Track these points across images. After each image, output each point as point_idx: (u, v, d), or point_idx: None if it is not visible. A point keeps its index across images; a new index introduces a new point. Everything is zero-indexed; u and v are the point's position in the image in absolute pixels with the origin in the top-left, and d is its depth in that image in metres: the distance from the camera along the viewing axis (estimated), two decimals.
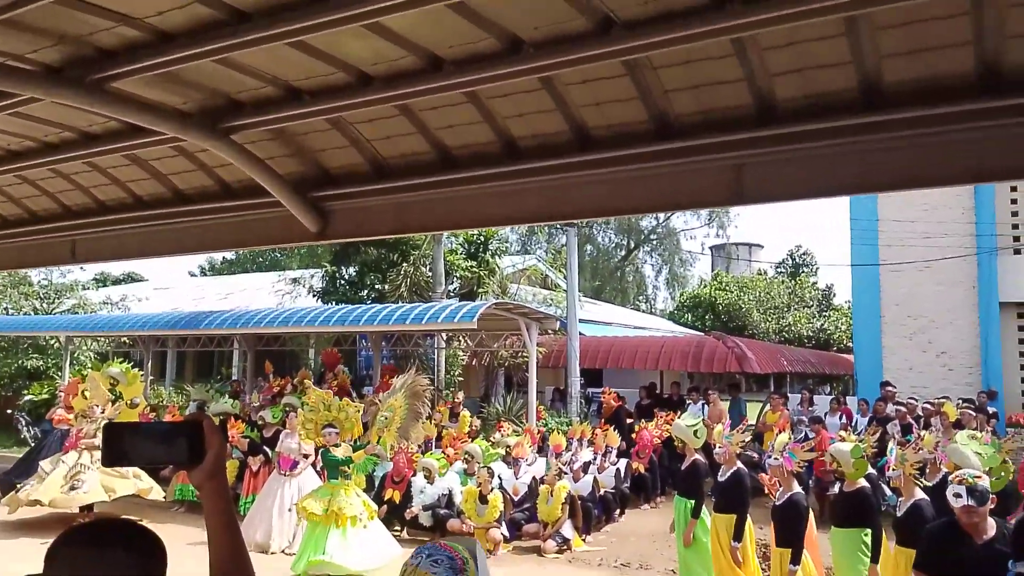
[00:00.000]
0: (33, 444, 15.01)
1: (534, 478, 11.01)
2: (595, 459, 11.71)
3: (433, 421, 13.29)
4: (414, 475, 10.59)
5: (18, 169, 3.45)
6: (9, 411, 18.31)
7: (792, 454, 5.67)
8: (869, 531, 5.66)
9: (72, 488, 10.05)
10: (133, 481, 10.44)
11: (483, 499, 9.69)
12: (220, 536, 1.52)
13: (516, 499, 10.65)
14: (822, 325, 33.70)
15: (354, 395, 13.80)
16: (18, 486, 10.65)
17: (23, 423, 17.73)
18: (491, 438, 12.45)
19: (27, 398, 18.82)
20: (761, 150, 2.49)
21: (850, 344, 24.02)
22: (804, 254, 43.99)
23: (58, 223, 3.89)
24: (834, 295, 40.35)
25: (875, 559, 5.68)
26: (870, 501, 5.62)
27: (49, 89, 2.42)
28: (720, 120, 2.49)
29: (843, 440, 6.89)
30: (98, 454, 10.48)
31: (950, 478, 4.06)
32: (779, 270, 43.42)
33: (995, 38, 2.12)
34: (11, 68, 2.38)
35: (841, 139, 2.39)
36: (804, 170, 2.51)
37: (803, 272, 41.75)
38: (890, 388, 14.22)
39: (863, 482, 5.97)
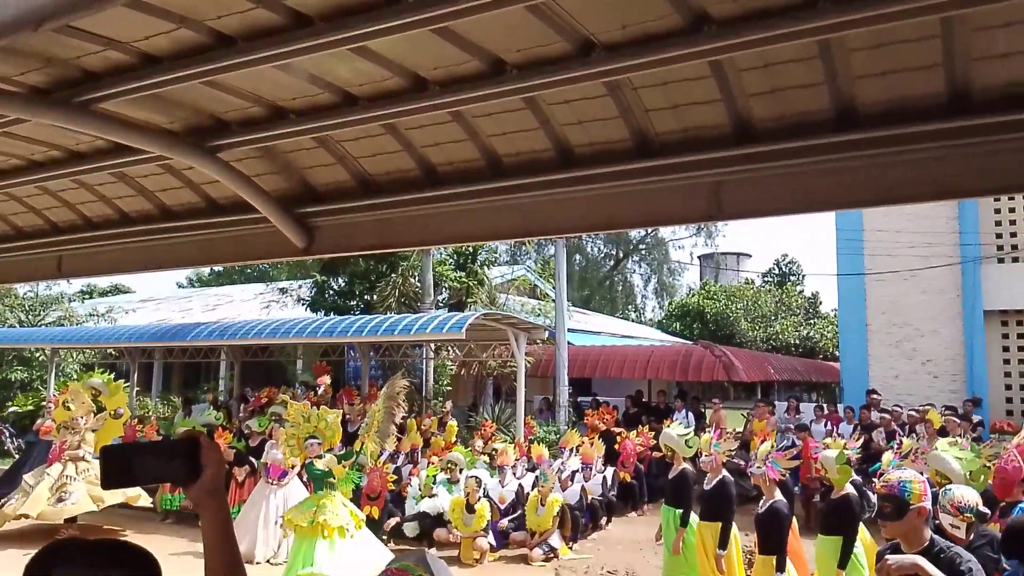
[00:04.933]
0: (17, 456, 14.90)
1: (521, 486, 11.03)
2: (583, 468, 11.74)
3: (421, 429, 13.30)
4: (391, 491, 10.60)
5: (5, 187, 3.46)
6: None
7: (775, 462, 5.73)
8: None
9: (59, 500, 9.98)
10: (120, 490, 10.36)
11: (470, 508, 9.70)
12: (217, 551, 1.53)
13: (502, 507, 10.66)
14: (808, 333, 33.89)
15: (346, 403, 13.82)
16: (2, 501, 10.57)
17: (7, 435, 17.62)
18: (473, 446, 12.46)
19: (11, 409, 18.68)
20: (738, 168, 2.55)
21: (836, 352, 24.17)
22: (790, 263, 44.30)
23: (44, 239, 3.90)
24: (820, 303, 40.61)
25: (842, 565, 5.77)
26: (854, 510, 5.68)
27: (36, 110, 2.44)
28: (699, 139, 2.54)
29: (828, 448, 6.98)
30: (82, 465, 10.42)
31: (943, 503, 4.14)
32: (766, 279, 43.67)
33: (963, 60, 2.18)
34: None
35: (816, 157, 2.45)
36: (780, 187, 2.57)
37: (790, 281, 42.03)
38: (875, 396, 14.34)
39: (849, 488, 6.04)
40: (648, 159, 2.61)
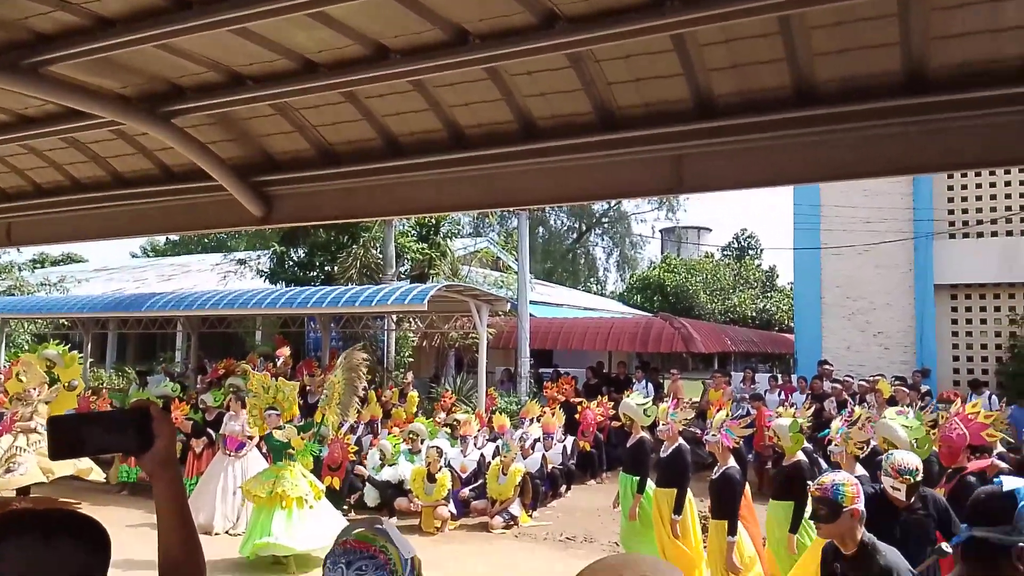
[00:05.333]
0: None
1: (483, 455, 11.12)
2: (544, 437, 11.87)
3: (382, 401, 13.29)
4: (352, 461, 10.61)
5: None
6: None
7: (730, 431, 5.87)
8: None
9: (8, 471, 9.77)
10: (71, 463, 10.20)
11: (431, 478, 9.76)
12: (171, 522, 1.53)
13: (464, 476, 10.75)
14: (765, 306, 34.54)
15: (306, 375, 13.73)
16: None
17: None
18: (435, 418, 12.51)
19: None
20: (700, 142, 2.58)
21: (791, 324, 24.67)
22: (749, 237, 44.93)
23: None
24: (777, 277, 41.35)
25: (794, 529, 5.99)
26: (805, 476, 5.85)
27: None
28: (661, 113, 2.56)
29: (781, 416, 7.16)
30: (34, 436, 10.21)
31: (886, 466, 4.28)
32: (725, 253, 44.25)
33: (920, 40, 2.22)
34: None
35: (775, 132, 2.49)
36: (740, 162, 2.60)
37: (748, 255, 42.65)
38: (827, 366, 14.69)
39: (800, 456, 6.22)
40: (611, 132, 2.62)
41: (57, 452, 1.49)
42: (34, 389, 10.49)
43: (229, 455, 9.89)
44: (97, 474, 10.80)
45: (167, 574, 1.52)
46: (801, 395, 13.18)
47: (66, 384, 10.99)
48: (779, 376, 15.84)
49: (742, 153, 2.58)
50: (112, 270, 30.37)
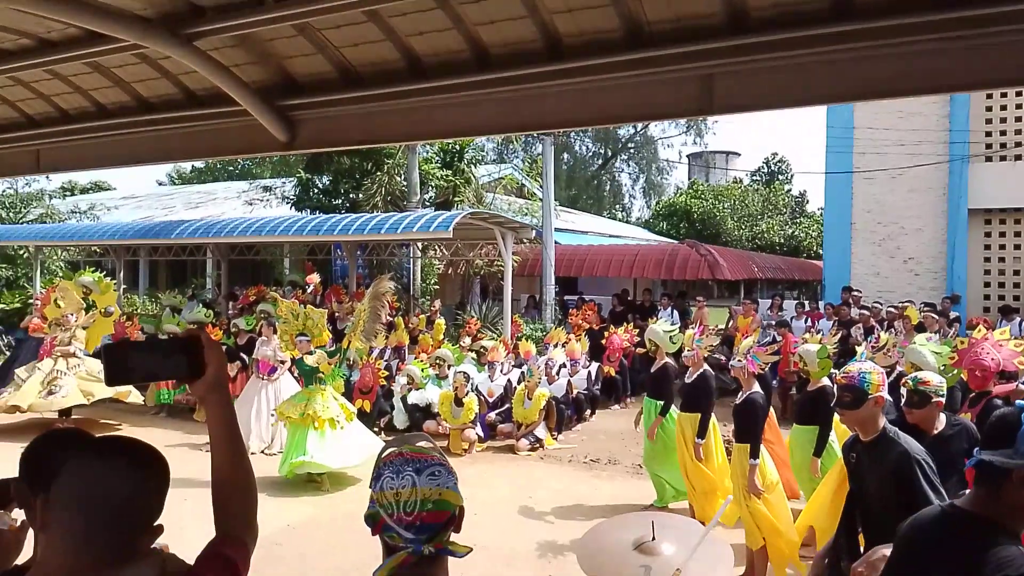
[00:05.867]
0: (8, 353, 15.02)
1: (509, 381, 11.31)
2: (569, 363, 12.01)
3: (409, 327, 13.47)
4: (382, 386, 10.84)
5: None
6: None
7: (756, 357, 5.87)
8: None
9: (50, 393, 10.13)
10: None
11: (459, 402, 9.96)
12: (223, 442, 1.61)
13: (490, 401, 10.96)
14: (794, 232, 34.06)
15: (334, 301, 13.92)
16: None
17: None
18: (461, 344, 12.67)
19: None
20: (731, 60, 2.49)
21: (820, 251, 24.38)
22: (780, 162, 43.97)
23: (21, 132, 3.81)
24: (807, 202, 40.66)
25: (818, 453, 6.06)
26: (830, 400, 5.87)
27: None
28: (691, 29, 2.47)
29: (807, 343, 7.15)
30: (73, 360, 10.54)
31: (901, 382, 4.26)
32: (754, 178, 43.48)
33: None
34: None
35: (810, 49, 2.40)
36: (774, 80, 2.53)
37: (778, 180, 41.85)
38: (855, 293, 14.57)
39: (825, 381, 6.23)
40: (639, 50, 2.54)
41: (112, 378, 1.55)
42: (72, 315, 10.77)
43: (262, 379, 10.14)
44: (136, 396, 11.16)
45: (219, 488, 1.61)
46: (828, 322, 13.12)
47: (102, 310, 11.25)
48: (806, 303, 15.74)
49: (776, 71, 2.50)
50: (140, 198, 30.63)
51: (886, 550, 3.04)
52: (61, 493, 1.35)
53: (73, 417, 10.53)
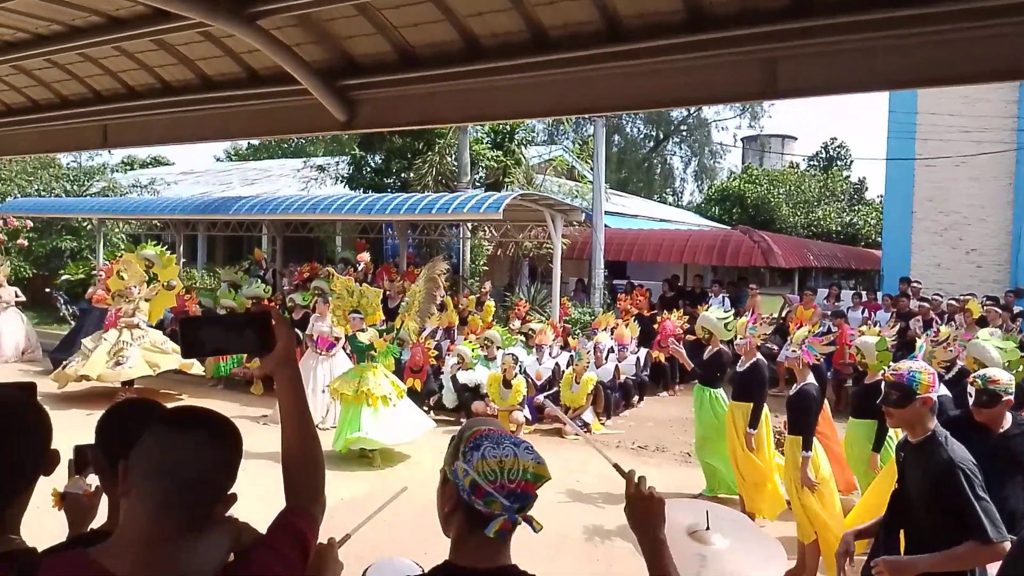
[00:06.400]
0: (73, 323, 15.57)
1: (557, 364, 11.33)
2: (617, 348, 11.97)
3: (458, 308, 13.57)
4: (432, 365, 10.97)
5: (48, 53, 3.45)
6: (47, 290, 18.90)
7: (811, 347, 5.77)
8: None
9: (117, 363, 10.50)
10: (174, 357, 10.87)
11: (507, 384, 10.02)
12: (291, 416, 1.67)
13: (538, 384, 11.00)
14: (851, 220, 33.19)
15: (385, 280, 14.09)
16: (63, 363, 11.14)
17: (61, 302, 18.35)
18: (510, 326, 12.72)
19: (63, 278, 19.36)
20: (796, 43, 2.43)
21: (879, 239, 23.75)
22: (839, 147, 42.81)
23: (89, 107, 3.93)
24: (866, 189, 39.53)
25: (877, 447, 5.92)
26: None
27: None
28: (755, 11, 2.42)
29: (864, 334, 6.99)
30: (137, 332, 10.90)
31: (968, 379, 4.14)
32: (812, 163, 42.43)
33: None
34: None
35: (878, 33, 2.33)
36: (838, 65, 2.46)
37: (836, 165, 40.77)
38: (915, 284, 14.18)
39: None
40: (700, 32, 2.50)
41: (188, 351, 1.62)
42: (135, 287, 11.11)
43: (320, 355, 10.33)
44: (198, 367, 11.50)
45: (288, 461, 1.66)
46: (886, 313, 12.81)
47: (164, 283, 11.57)
48: (863, 293, 15.37)
49: (841, 55, 2.43)
50: (198, 173, 31.32)
51: (921, 563, 2.98)
52: (141, 461, 1.39)
53: (136, 387, 10.90)
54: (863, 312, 13.45)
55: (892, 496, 3.49)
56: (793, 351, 5.72)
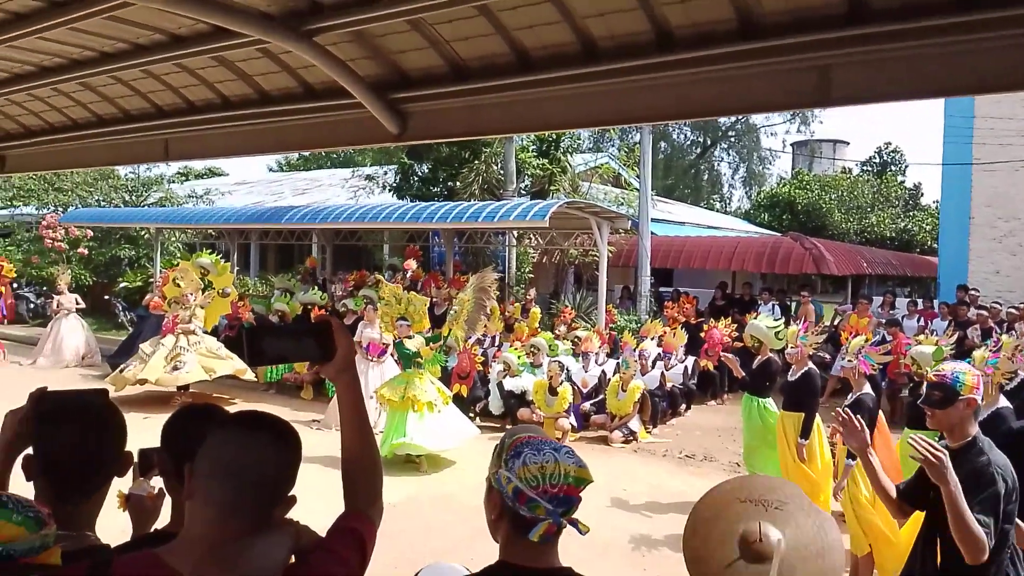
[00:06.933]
0: (131, 329, 16.04)
1: (603, 371, 11.28)
2: (663, 356, 11.87)
3: (504, 315, 13.61)
4: (478, 371, 11.01)
5: (112, 70, 3.59)
6: (106, 297, 19.52)
7: (869, 356, 5.65)
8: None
9: (175, 368, 10.79)
10: (229, 363, 11.13)
11: (553, 391, 10.01)
12: (350, 420, 1.70)
13: (584, 391, 10.97)
14: (906, 226, 32.39)
15: (433, 287, 14.22)
16: (121, 367, 11.48)
17: (119, 309, 18.94)
18: (556, 332, 12.71)
19: (122, 285, 19.98)
20: (850, 50, 2.41)
21: (934, 246, 23.14)
22: (893, 152, 41.84)
23: (152, 122, 4.06)
24: (922, 195, 38.57)
25: None
26: None
27: None
28: (808, 19, 2.41)
29: (920, 343, 6.82)
30: (193, 338, 11.19)
31: None
32: (865, 168, 41.53)
33: None
34: None
35: (934, 39, 2.30)
36: (895, 71, 2.43)
37: (890, 171, 39.84)
38: (973, 292, 13.78)
39: None
40: (751, 41, 2.50)
41: (253, 359, 1.67)
42: (191, 294, 11.41)
43: (371, 360, 10.46)
44: (250, 374, 11.75)
45: (348, 465, 1.69)
46: (943, 321, 12.46)
47: (219, 291, 11.86)
48: (919, 301, 14.99)
49: (898, 62, 2.40)
50: (251, 183, 32.02)
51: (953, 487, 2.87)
52: (207, 464, 1.44)
53: (191, 391, 11.18)
54: (919, 320, 13.11)
55: (929, 505, 3.39)
56: (849, 360, 5.61)
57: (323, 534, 1.62)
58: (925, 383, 3.41)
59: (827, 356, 10.06)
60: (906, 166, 41.17)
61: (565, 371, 10.41)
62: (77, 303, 15.40)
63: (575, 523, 1.64)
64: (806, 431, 6.50)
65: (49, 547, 1.50)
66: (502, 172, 17.56)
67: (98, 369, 13.97)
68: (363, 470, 1.70)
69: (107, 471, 1.77)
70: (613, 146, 33.15)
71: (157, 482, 2.14)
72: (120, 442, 1.77)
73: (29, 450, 1.77)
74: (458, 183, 17.65)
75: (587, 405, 10.77)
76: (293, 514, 1.62)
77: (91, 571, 1.43)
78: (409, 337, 8.94)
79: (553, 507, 1.60)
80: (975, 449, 3.12)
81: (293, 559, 1.52)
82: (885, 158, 41.54)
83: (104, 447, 1.73)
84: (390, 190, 19.86)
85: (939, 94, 2.60)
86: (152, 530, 2.14)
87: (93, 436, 1.72)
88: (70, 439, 1.71)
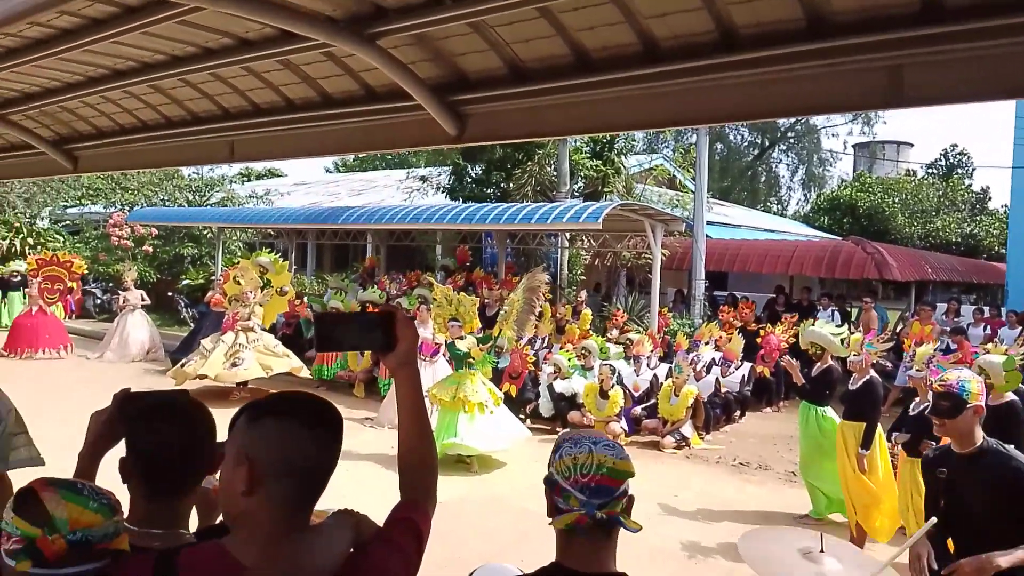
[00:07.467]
0: (192, 325, 16.51)
1: (655, 375, 11.17)
2: (722, 363, 11.71)
3: (555, 317, 13.59)
4: (529, 372, 11.01)
5: (181, 73, 3.69)
6: (169, 294, 20.13)
7: (939, 366, 5.48)
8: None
9: (234, 365, 11.08)
10: (286, 360, 11.39)
11: (604, 394, 9.95)
12: (410, 416, 1.72)
13: (636, 395, 10.87)
14: (972, 231, 31.29)
15: (484, 289, 14.29)
16: (182, 362, 11.82)
17: (182, 305, 19.52)
18: (608, 335, 12.64)
19: (184, 282, 20.57)
20: (923, 50, 2.34)
21: (1002, 251, 22.30)
22: (960, 154, 40.48)
23: (217, 124, 4.16)
24: (990, 199, 37.23)
25: None
26: (1019, 417, 5.38)
27: None
28: (879, 18, 2.34)
29: (987, 352, 6.58)
30: (252, 335, 11.46)
31: None
32: (930, 171, 40.27)
33: None
34: None
35: (1006, 39, 2.21)
36: (966, 72, 2.35)
37: (957, 173, 38.56)
38: None
39: (1011, 396, 5.70)
40: (821, 40, 2.43)
41: (321, 346, 1.71)
42: (250, 292, 11.69)
43: (424, 360, 10.57)
44: (305, 372, 12.00)
45: (406, 460, 1.71)
46: (1011, 330, 12.02)
47: (278, 289, 12.14)
48: (985, 309, 14.46)
49: (970, 63, 2.32)
50: (309, 184, 32.62)
51: (1002, 559, 2.82)
52: (268, 457, 1.46)
53: (249, 387, 11.44)
54: (985, 329, 12.67)
55: (940, 515, 3.25)
56: (918, 370, 5.44)
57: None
58: (932, 394, 3.48)
59: (888, 364, 9.78)
60: (973, 169, 39.83)
61: (616, 374, 10.34)
62: (143, 299, 15.91)
63: (616, 518, 1.60)
64: (867, 441, 6.32)
65: (120, 533, 1.56)
66: (555, 174, 17.54)
67: (162, 364, 14.41)
68: (420, 463, 1.71)
69: (200, 469, 1.83)
70: (668, 147, 32.84)
71: None
72: (211, 440, 1.83)
73: (123, 451, 1.83)
74: (511, 184, 17.69)
75: (638, 409, 10.67)
76: (351, 506, 1.65)
77: (159, 559, 1.47)
78: (460, 338, 9.00)
79: (586, 498, 1.57)
80: (992, 452, 3.21)
81: (352, 550, 1.54)
82: (951, 160, 40.23)
83: (196, 445, 1.79)
84: (444, 191, 20.01)
85: (1013, 95, 2.50)
86: (217, 522, 2.20)
87: (187, 435, 1.78)
88: (165, 438, 1.76)
